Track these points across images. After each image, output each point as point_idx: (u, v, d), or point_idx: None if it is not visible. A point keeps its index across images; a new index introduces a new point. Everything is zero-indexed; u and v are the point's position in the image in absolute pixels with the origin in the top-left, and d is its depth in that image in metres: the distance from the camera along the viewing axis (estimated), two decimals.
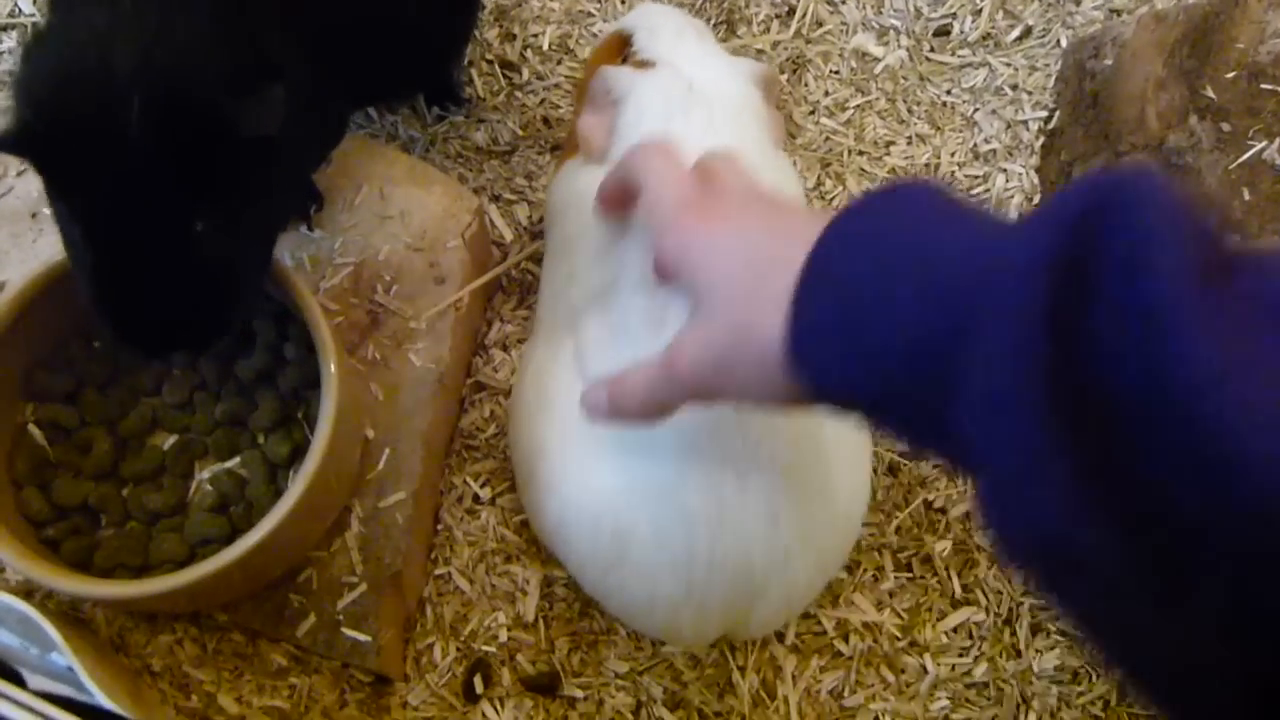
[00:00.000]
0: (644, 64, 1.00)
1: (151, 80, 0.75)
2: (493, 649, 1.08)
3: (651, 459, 0.88)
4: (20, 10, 1.37)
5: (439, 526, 1.12)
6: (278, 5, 0.85)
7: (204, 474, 1.00)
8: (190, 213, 0.78)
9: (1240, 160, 1.12)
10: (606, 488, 0.91)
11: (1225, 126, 1.15)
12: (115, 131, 0.74)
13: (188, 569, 0.87)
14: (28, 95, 0.78)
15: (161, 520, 0.97)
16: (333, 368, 0.92)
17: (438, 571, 1.10)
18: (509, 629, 1.08)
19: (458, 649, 1.08)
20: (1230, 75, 1.17)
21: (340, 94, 1.00)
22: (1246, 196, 1.10)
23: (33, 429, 0.99)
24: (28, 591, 1.00)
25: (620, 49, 1.06)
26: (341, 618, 1.00)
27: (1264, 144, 1.11)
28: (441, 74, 1.24)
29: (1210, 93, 1.18)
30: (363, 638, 1.00)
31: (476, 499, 1.13)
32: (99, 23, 0.76)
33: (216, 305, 0.85)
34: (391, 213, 1.11)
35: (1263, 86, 1.15)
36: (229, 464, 1.00)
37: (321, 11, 0.90)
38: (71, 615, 1.03)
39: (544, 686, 1.06)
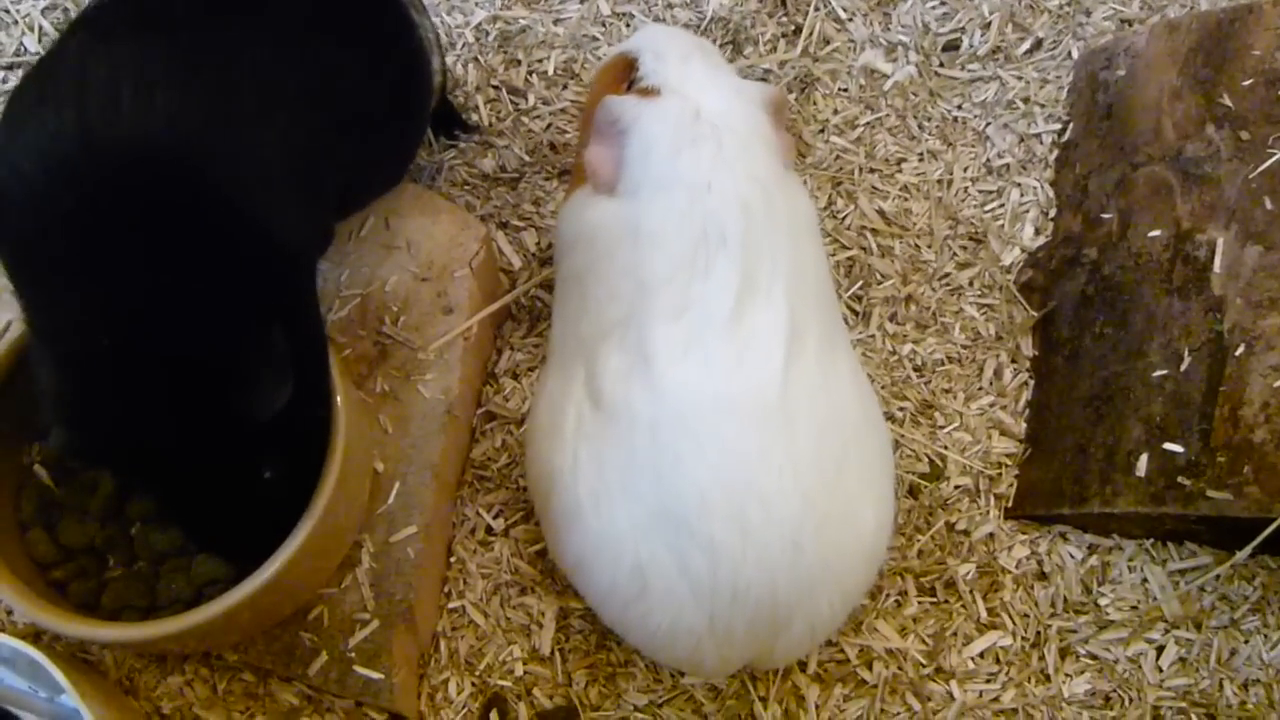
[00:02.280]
0: (649, 90, 0.99)
1: None
2: (509, 683, 1.06)
3: (673, 488, 0.86)
4: (26, 49, 1.37)
5: (451, 559, 1.10)
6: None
7: None
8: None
9: (1261, 169, 1.10)
10: (625, 518, 0.89)
11: (1244, 135, 1.13)
12: None
13: (196, 610, 0.86)
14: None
15: (169, 560, 0.96)
16: (339, 401, 0.90)
17: (451, 605, 1.08)
18: (525, 662, 1.06)
19: (473, 684, 1.06)
20: (1248, 83, 1.15)
21: (330, 213, 1.01)
22: (1268, 205, 1.07)
23: (39, 469, 0.98)
24: (35, 634, 0.99)
25: (625, 72, 1.04)
26: (354, 655, 0.98)
27: None
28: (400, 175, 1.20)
29: (1227, 101, 1.15)
30: (376, 675, 0.98)
31: (489, 530, 1.11)
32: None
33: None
34: (398, 243, 1.09)
35: None
36: None
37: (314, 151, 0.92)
38: (80, 657, 1.02)
39: None
